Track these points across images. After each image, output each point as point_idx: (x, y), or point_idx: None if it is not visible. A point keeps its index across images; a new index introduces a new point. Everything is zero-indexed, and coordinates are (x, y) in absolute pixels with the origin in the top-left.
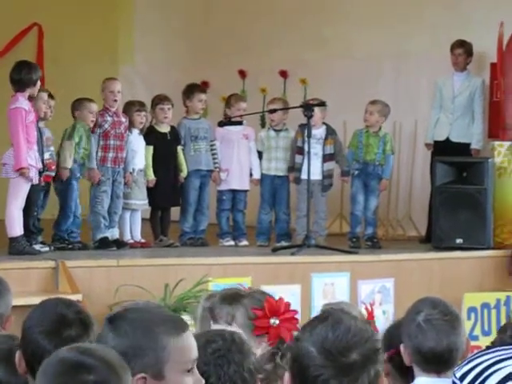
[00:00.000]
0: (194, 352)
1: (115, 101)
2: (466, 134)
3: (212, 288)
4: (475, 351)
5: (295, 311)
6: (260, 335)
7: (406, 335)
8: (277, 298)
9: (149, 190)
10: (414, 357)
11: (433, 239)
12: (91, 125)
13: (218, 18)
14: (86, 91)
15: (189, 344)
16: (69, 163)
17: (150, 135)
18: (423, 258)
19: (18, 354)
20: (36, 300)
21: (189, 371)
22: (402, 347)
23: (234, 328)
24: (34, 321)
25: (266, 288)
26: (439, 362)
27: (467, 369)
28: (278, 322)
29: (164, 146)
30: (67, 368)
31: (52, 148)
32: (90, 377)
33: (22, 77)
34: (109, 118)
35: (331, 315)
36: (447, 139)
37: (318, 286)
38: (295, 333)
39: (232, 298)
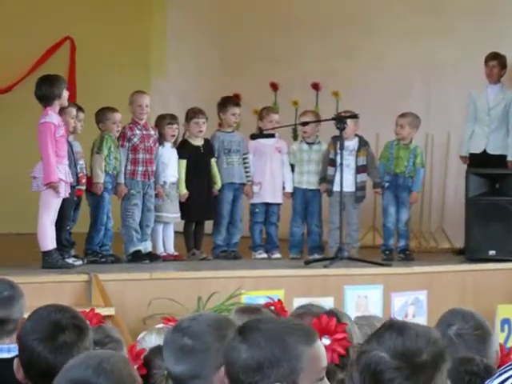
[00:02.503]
0: (324, 360)
1: (143, 114)
2: (501, 146)
3: (245, 301)
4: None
5: (346, 333)
6: None
7: None
8: None
9: (183, 203)
10: None
11: (466, 251)
12: (117, 135)
13: (250, 30)
14: (118, 103)
15: (321, 352)
16: (101, 177)
17: (184, 148)
18: (456, 269)
19: (15, 362)
20: None
21: (321, 380)
22: None
23: None
24: (28, 329)
25: (299, 301)
26: None
27: (498, 382)
28: (329, 341)
29: (198, 159)
30: None
31: (81, 162)
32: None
33: (44, 92)
34: (138, 132)
35: (394, 323)
36: (484, 152)
37: (351, 299)
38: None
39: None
